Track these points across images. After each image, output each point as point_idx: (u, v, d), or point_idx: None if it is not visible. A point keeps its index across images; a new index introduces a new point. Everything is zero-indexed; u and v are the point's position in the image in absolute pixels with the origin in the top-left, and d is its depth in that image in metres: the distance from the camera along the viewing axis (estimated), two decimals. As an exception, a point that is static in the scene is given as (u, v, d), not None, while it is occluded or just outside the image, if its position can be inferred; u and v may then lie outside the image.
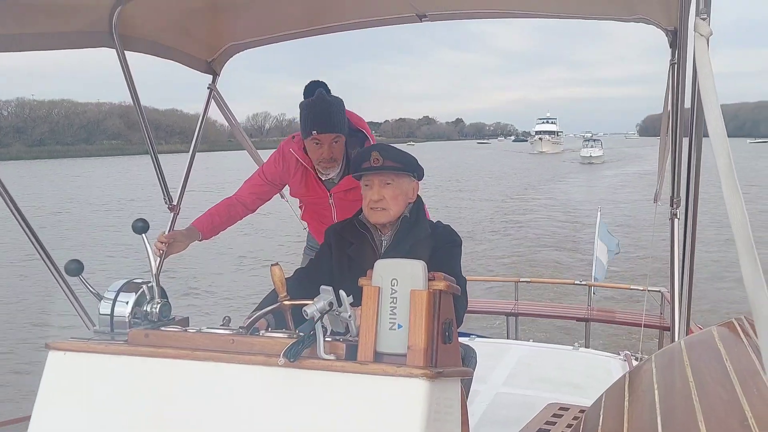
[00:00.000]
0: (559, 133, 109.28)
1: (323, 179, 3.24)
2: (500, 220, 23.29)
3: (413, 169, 2.67)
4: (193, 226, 3.15)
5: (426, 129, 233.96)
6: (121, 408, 1.88)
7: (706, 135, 1.46)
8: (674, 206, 2.04)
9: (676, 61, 2.07)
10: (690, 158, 2.02)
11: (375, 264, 1.90)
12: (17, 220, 2.46)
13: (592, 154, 65.00)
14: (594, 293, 6.76)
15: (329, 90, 3.08)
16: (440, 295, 1.86)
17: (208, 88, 3.42)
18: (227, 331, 1.96)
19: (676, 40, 2.13)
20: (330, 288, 1.88)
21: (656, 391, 1.45)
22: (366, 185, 2.65)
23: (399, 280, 1.85)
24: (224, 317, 2.08)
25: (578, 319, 6.11)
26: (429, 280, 1.85)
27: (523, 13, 3.00)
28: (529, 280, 7.25)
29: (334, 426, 1.74)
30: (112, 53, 2.77)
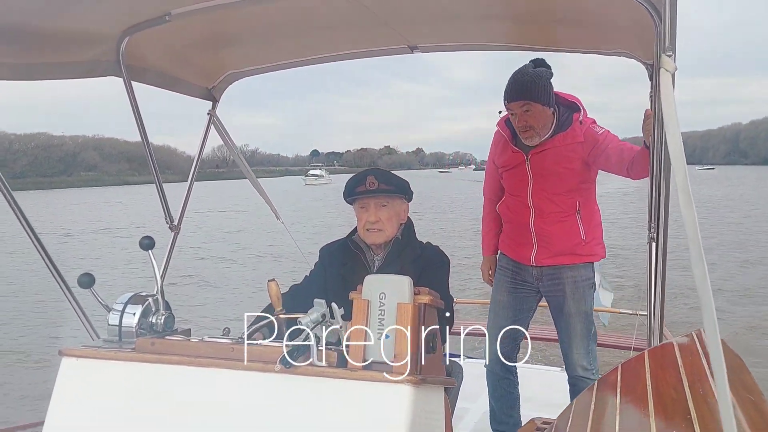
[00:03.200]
0: None
1: (524, 146, 3.21)
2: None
3: (405, 192, 2.72)
4: (487, 256, 3.50)
5: (387, 158, 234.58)
6: (129, 411, 1.91)
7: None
8: (651, 231, 2.09)
9: (653, 92, 2.16)
10: (660, 184, 2.06)
11: (365, 279, 1.96)
12: (30, 238, 2.48)
13: None
14: None
15: (546, 64, 3.09)
16: (425, 308, 1.93)
17: (208, 114, 3.44)
18: (227, 341, 2.01)
19: (653, 72, 2.22)
20: (323, 301, 1.94)
21: (618, 395, 1.53)
22: (362, 207, 2.69)
23: (387, 294, 1.91)
24: (224, 328, 2.12)
25: None
26: (414, 294, 1.92)
27: (509, 46, 3.06)
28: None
29: (325, 429, 1.78)
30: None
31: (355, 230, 2.79)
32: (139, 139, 3.02)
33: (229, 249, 21.90)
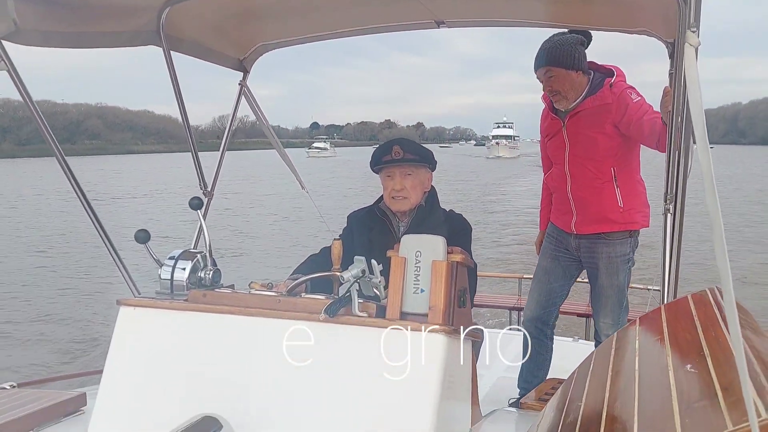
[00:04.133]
0: (516, 138, 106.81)
1: (561, 113, 3.30)
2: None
3: (429, 161, 2.82)
4: (542, 230, 3.65)
5: (388, 132, 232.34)
6: (183, 356, 2.06)
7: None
8: (668, 202, 2.14)
9: (674, 70, 2.23)
10: (679, 158, 2.10)
11: (402, 238, 2.11)
12: (81, 201, 2.59)
13: None
14: None
15: (581, 31, 3.16)
16: (457, 266, 2.08)
17: (239, 84, 3.49)
18: (272, 293, 2.15)
19: (674, 51, 2.26)
20: (363, 258, 2.08)
21: (637, 341, 1.66)
22: (388, 176, 2.79)
23: (422, 252, 2.06)
24: (268, 282, 2.26)
25: (579, 315, 5.84)
26: (448, 253, 2.06)
27: (535, 23, 3.11)
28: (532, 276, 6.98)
29: (364, 373, 1.93)
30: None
31: (381, 198, 2.90)
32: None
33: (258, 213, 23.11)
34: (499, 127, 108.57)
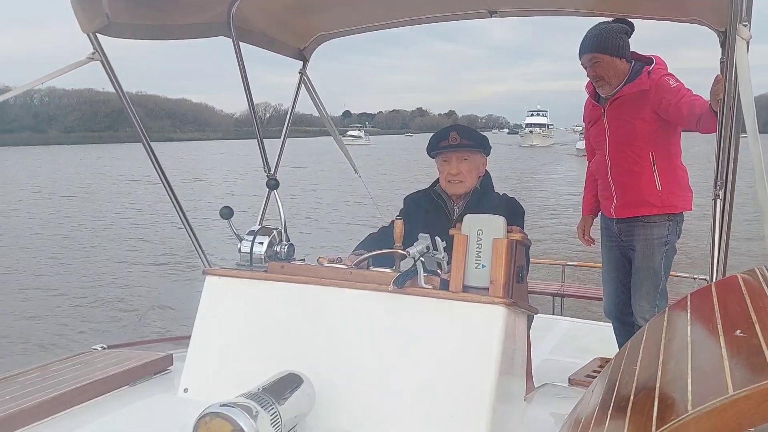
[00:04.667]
0: (550, 126, 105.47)
1: (602, 100, 3.41)
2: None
3: (484, 147, 2.92)
4: (583, 216, 3.74)
5: (419, 121, 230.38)
6: (264, 321, 2.24)
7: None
8: (718, 188, 2.16)
9: (725, 59, 2.29)
10: (729, 145, 2.10)
11: (464, 217, 2.24)
12: (162, 182, 2.78)
13: None
14: None
15: (623, 21, 3.25)
16: (516, 244, 2.21)
17: (299, 72, 3.63)
18: (343, 266, 2.32)
19: (725, 40, 2.28)
20: (427, 235, 2.22)
21: (689, 317, 1.74)
22: (444, 161, 2.91)
23: (484, 231, 2.20)
24: (336, 257, 2.43)
25: None
26: (507, 232, 2.20)
27: (587, 12, 3.16)
28: (576, 264, 6.72)
29: (429, 340, 2.08)
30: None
31: (436, 181, 3.02)
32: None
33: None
34: (532, 115, 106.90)
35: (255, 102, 3.39)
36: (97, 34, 2.46)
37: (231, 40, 3.07)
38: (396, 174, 33.32)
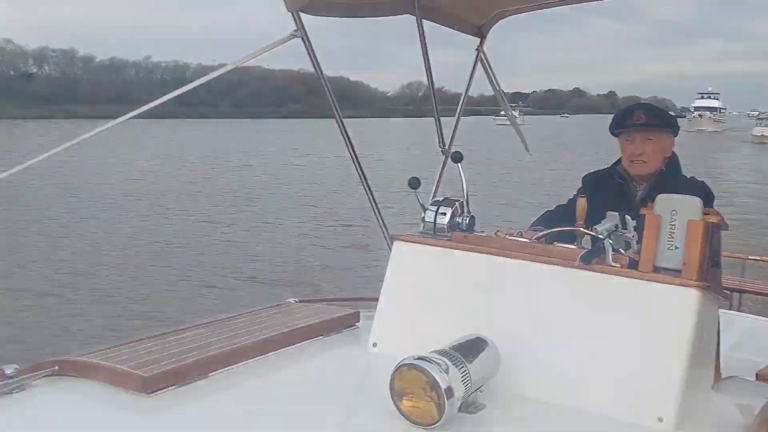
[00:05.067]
0: (722, 110, 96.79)
1: None
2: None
3: (672, 126, 2.81)
4: None
5: (576, 101, 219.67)
6: (449, 286, 2.32)
7: None
8: None
9: None
10: None
11: (657, 197, 2.17)
12: (352, 157, 2.97)
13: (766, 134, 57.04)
14: None
15: None
16: (712, 227, 2.11)
17: (476, 49, 3.66)
18: (525, 240, 2.33)
19: None
20: (615, 214, 2.19)
21: None
22: (627, 140, 2.82)
23: (678, 211, 2.12)
24: (517, 231, 2.46)
25: None
26: (704, 214, 2.10)
27: None
28: (758, 258, 6.32)
29: (616, 319, 2.05)
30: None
31: (618, 161, 2.93)
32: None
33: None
34: (703, 97, 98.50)
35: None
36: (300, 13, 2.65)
37: (415, 18, 3.16)
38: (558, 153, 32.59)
